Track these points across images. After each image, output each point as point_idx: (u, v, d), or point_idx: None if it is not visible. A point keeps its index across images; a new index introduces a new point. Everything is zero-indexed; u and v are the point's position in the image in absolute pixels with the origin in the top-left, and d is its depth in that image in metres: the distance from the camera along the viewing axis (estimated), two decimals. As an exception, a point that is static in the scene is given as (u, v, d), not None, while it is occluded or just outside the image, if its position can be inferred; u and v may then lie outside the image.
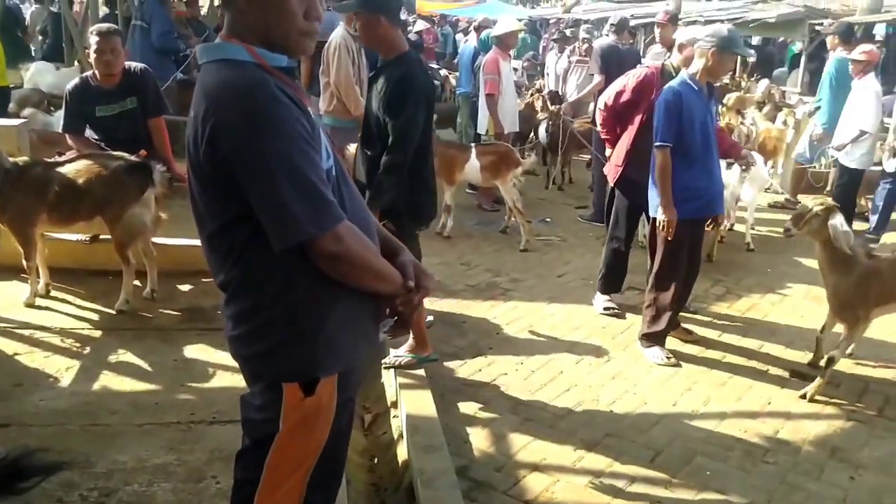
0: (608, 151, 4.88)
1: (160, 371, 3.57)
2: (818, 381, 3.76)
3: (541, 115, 8.44)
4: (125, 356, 3.70)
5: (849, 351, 3.93)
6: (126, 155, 4.18)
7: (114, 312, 4.14)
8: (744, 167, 5.60)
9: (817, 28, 11.62)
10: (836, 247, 3.65)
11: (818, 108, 7.31)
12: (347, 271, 1.59)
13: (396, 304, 1.75)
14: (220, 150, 1.48)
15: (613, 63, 6.67)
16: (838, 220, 3.63)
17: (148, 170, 4.14)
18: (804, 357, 4.19)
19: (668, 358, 4.14)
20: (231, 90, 1.50)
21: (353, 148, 4.36)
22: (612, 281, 4.88)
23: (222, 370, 3.48)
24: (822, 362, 3.88)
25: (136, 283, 4.30)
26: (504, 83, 6.89)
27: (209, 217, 1.61)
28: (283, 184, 1.46)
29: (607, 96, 4.71)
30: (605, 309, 4.82)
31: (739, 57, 6.48)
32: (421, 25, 16.77)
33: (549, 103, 8.62)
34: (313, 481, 1.76)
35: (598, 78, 6.94)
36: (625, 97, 4.54)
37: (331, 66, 5.36)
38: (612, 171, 4.71)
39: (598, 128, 4.97)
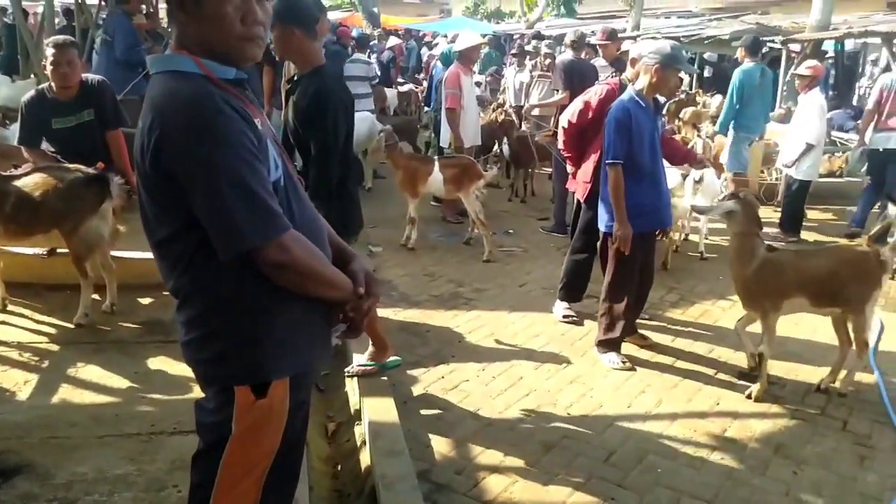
0: (571, 168, 4.97)
1: (120, 383, 3.59)
2: (760, 381, 3.92)
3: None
4: (84, 369, 3.70)
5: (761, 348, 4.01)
6: (83, 167, 4.18)
7: (72, 326, 4.14)
8: (697, 179, 5.83)
9: (770, 45, 12.01)
10: (736, 232, 3.88)
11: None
12: (294, 279, 1.64)
13: (347, 309, 1.80)
14: (166, 160, 1.52)
15: (576, 78, 6.84)
16: (731, 203, 3.86)
17: (105, 182, 4.14)
18: (752, 361, 4.34)
19: (623, 363, 4.26)
20: (176, 101, 1.53)
21: None
22: (574, 290, 5.00)
23: (183, 381, 3.50)
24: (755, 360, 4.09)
25: (95, 296, 4.30)
26: (466, 97, 7.00)
27: (157, 225, 1.65)
28: (226, 194, 1.50)
29: (570, 114, 4.77)
30: (565, 317, 4.94)
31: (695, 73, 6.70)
32: (394, 41, 16.94)
33: (513, 117, 8.81)
34: (269, 484, 1.79)
35: (562, 93, 7.08)
36: (591, 115, 4.60)
37: (292, 80, 5.40)
38: (580, 188, 4.76)
39: (560, 145, 5.06)
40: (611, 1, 24.55)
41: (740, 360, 4.35)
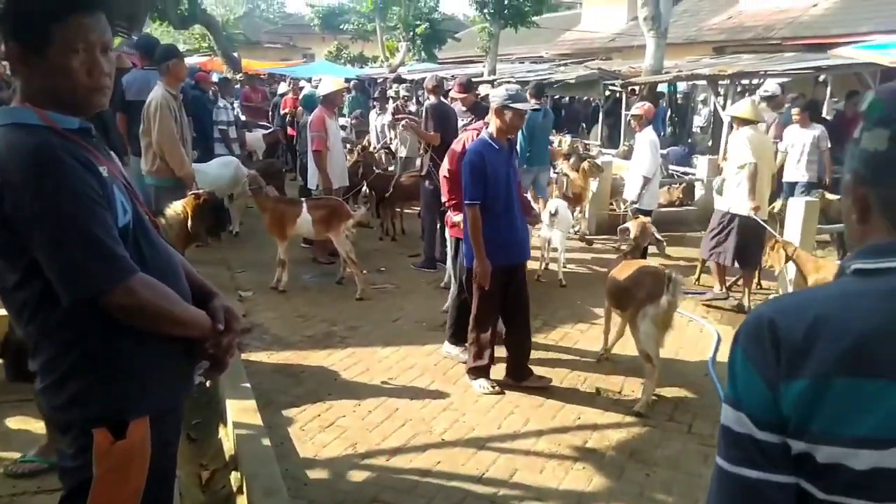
0: (458, 217, 4.94)
1: (-24, 446, 3.38)
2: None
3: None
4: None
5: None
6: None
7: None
8: (553, 212, 6.27)
9: (611, 87, 13.08)
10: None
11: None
12: (144, 321, 1.68)
13: (207, 347, 1.83)
14: (8, 210, 1.54)
15: (443, 120, 7.12)
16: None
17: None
18: (606, 378, 4.74)
19: (492, 387, 4.50)
20: (16, 153, 1.56)
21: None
22: (462, 331, 4.93)
23: (44, 438, 3.36)
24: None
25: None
26: (331, 140, 7.14)
27: (3, 274, 1.64)
28: (68, 242, 1.55)
29: (448, 163, 4.96)
30: (465, 363, 4.76)
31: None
32: (283, 87, 16.61)
33: (373, 158, 9.08)
34: None
35: (432, 134, 7.26)
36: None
37: (152, 126, 5.33)
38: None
39: (444, 197, 5.13)
40: (467, 47, 25.73)
41: (597, 377, 4.71)
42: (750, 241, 6.12)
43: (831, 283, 1.09)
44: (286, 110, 11.98)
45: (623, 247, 5.13)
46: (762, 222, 6.12)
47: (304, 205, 6.48)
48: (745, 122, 6.16)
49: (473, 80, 7.90)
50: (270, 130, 12.30)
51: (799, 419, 1.00)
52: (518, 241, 4.49)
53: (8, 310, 1.70)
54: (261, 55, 32.36)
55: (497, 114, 4.27)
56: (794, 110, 8.38)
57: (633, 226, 5.18)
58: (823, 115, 10.29)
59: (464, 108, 7.22)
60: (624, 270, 4.67)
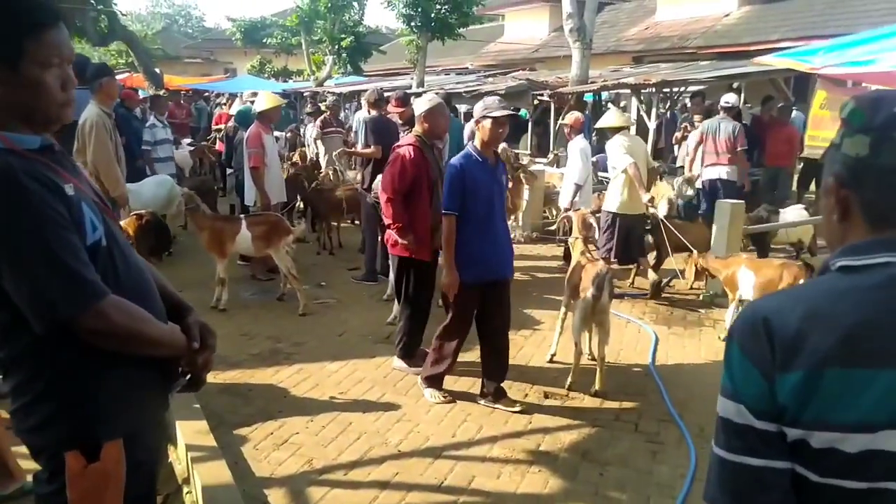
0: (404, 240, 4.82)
1: None
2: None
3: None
4: None
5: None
6: None
7: None
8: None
9: (539, 98, 13.39)
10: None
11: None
12: (116, 343, 1.66)
13: (183, 364, 1.83)
14: None
15: (384, 134, 7.14)
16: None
17: None
18: (554, 381, 4.85)
19: (444, 397, 4.55)
20: None
21: None
22: (413, 347, 5.04)
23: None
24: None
25: None
26: (269, 155, 7.08)
27: None
28: (33, 268, 1.52)
29: (389, 185, 4.74)
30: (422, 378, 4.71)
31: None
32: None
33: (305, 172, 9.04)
34: None
35: (373, 148, 7.21)
36: (409, 175, 4.70)
37: (87, 145, 5.20)
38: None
39: (388, 220, 4.89)
40: (393, 59, 25.85)
41: (545, 381, 4.84)
42: (630, 236, 6.86)
43: (817, 280, 1.18)
44: (219, 125, 11.76)
45: (571, 240, 5.41)
46: (662, 218, 6.90)
47: (243, 221, 6.40)
48: (616, 130, 6.83)
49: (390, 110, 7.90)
50: (195, 147, 12.04)
51: (795, 408, 1.09)
52: (497, 258, 4.34)
53: None
54: (181, 70, 31.65)
55: (478, 126, 4.23)
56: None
57: (574, 217, 5.42)
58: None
59: (401, 122, 7.28)
60: (579, 269, 4.92)
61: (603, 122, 7.10)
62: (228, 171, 9.97)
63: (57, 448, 1.67)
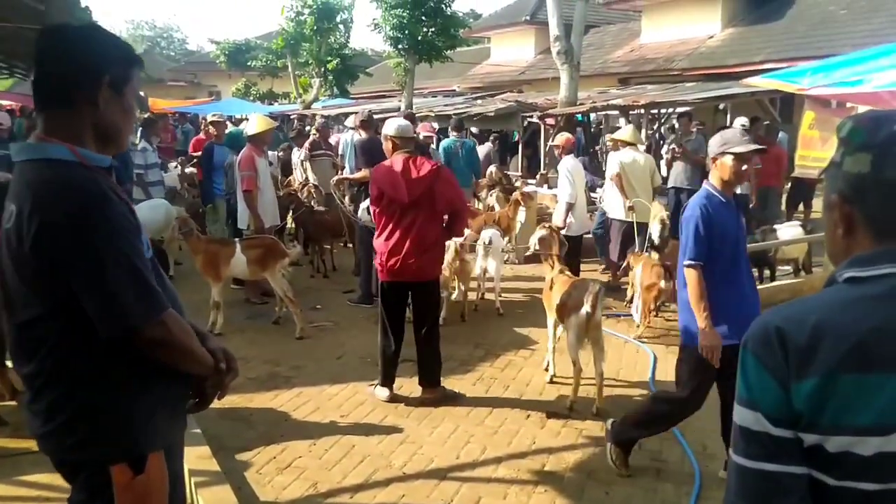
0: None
1: None
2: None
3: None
4: None
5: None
6: None
7: None
8: (487, 242, 6.43)
9: (528, 119, 13.51)
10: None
11: None
12: (169, 355, 1.72)
13: (207, 384, 1.88)
14: (49, 246, 1.56)
15: (374, 157, 7.11)
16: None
17: None
18: (555, 402, 4.86)
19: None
20: (61, 189, 1.59)
21: None
22: (390, 374, 4.93)
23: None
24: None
25: None
26: (261, 178, 7.08)
27: (22, 307, 1.65)
28: (114, 276, 1.58)
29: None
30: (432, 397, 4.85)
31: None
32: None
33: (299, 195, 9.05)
34: None
35: (364, 171, 7.15)
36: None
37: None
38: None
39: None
40: (379, 82, 26.00)
41: (546, 400, 4.84)
42: (626, 240, 7.52)
43: (825, 291, 1.23)
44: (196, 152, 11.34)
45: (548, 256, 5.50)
46: (635, 223, 7.30)
47: (238, 245, 6.38)
48: (626, 143, 7.73)
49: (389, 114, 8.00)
50: (180, 174, 11.95)
51: (810, 414, 1.13)
52: (747, 315, 3.39)
53: (20, 344, 1.68)
54: (164, 93, 31.48)
55: (715, 163, 3.58)
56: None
57: (538, 233, 5.63)
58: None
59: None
60: (561, 286, 4.94)
61: (618, 135, 8.09)
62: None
63: (102, 463, 1.69)
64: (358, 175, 7.30)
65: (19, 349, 1.69)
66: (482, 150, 11.68)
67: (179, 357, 1.74)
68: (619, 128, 10.76)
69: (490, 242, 6.81)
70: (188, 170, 11.66)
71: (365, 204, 5.35)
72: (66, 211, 1.56)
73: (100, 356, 1.65)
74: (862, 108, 6.55)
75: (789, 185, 10.45)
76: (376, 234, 4.90)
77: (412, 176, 4.67)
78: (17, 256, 1.61)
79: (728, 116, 13.46)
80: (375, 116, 8.14)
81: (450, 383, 5.05)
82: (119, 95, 1.72)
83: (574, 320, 4.66)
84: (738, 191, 8.42)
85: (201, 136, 11.76)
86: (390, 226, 4.77)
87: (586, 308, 4.56)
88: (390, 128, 4.97)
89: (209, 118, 9.37)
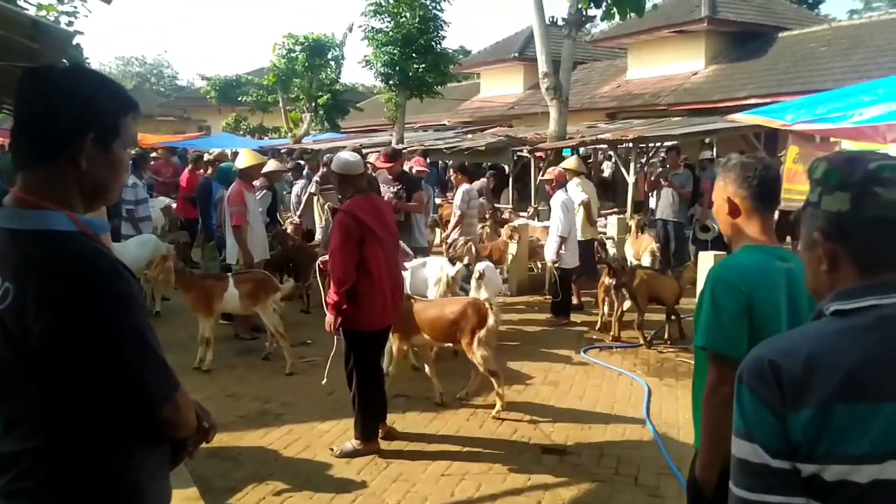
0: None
1: None
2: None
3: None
4: None
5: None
6: None
7: None
8: (479, 275, 6.42)
9: (518, 154, 13.63)
10: None
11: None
12: (177, 432, 1.63)
13: (189, 443, 1.74)
14: (59, 324, 1.41)
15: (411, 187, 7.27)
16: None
17: None
18: (550, 437, 4.81)
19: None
20: (70, 265, 1.44)
21: None
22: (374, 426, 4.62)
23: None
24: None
25: None
26: (251, 213, 7.07)
27: (18, 392, 1.48)
28: (136, 357, 1.47)
29: None
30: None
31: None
32: (275, 165, 16.07)
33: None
34: None
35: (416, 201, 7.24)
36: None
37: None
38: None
39: None
40: (370, 116, 26.21)
41: (540, 437, 4.79)
42: (586, 257, 8.22)
43: (814, 324, 1.27)
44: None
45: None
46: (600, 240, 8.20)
47: (231, 279, 6.34)
48: (575, 173, 8.30)
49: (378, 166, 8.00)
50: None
51: (808, 444, 1.16)
52: None
53: (8, 422, 1.50)
54: (153, 129, 31.50)
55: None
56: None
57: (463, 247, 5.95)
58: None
59: (390, 177, 7.34)
60: (442, 305, 5.40)
61: (566, 164, 8.60)
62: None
63: None
64: (413, 204, 7.29)
65: (5, 419, 1.52)
66: (476, 185, 11.71)
67: (181, 431, 1.65)
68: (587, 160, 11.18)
69: (482, 275, 6.79)
70: (166, 202, 11.49)
71: None
72: (79, 288, 1.42)
73: (90, 434, 1.50)
74: (846, 143, 6.66)
75: (776, 216, 10.54)
76: (339, 287, 4.31)
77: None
78: (16, 338, 1.43)
79: (714, 150, 13.62)
80: (365, 151, 8.20)
81: (444, 418, 5.00)
82: (106, 151, 1.53)
83: (483, 333, 5.04)
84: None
85: (194, 172, 11.69)
86: (373, 269, 4.33)
87: (493, 318, 5.04)
88: (336, 164, 4.59)
89: (210, 155, 9.36)
